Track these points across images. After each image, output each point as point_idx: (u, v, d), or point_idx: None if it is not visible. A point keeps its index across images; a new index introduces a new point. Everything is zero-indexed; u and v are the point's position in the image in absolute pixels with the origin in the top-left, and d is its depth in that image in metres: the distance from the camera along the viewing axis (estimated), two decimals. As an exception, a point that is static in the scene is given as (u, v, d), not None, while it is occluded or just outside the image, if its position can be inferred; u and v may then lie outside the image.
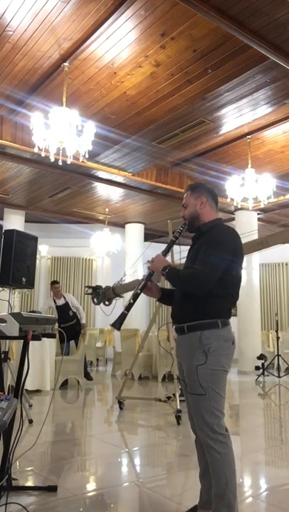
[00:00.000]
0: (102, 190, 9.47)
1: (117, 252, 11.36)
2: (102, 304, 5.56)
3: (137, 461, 3.68)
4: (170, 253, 4.95)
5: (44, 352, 6.50)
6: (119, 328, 2.32)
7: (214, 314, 2.14)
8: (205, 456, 2.20)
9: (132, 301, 2.33)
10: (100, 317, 12.83)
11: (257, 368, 9.59)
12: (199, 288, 2.10)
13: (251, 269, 10.37)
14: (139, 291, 2.34)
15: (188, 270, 2.18)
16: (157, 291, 2.42)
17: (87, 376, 7.87)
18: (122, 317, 2.31)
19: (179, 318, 2.26)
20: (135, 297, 2.34)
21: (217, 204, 2.40)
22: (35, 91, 6.20)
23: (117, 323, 2.30)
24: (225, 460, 2.06)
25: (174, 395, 5.10)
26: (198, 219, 2.32)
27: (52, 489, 2.75)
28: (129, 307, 2.33)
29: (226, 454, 2.07)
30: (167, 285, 2.42)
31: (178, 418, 4.72)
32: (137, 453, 3.90)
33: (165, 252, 2.36)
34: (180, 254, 2.51)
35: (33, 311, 2.80)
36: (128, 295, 5.78)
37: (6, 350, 4.44)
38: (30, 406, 5.33)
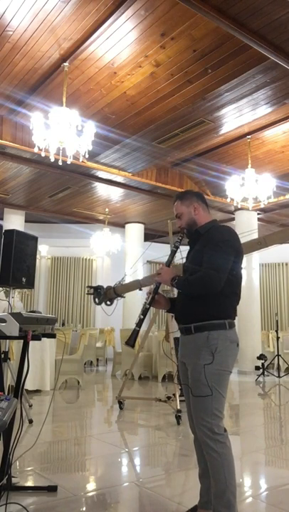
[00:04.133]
0: (102, 190, 9.47)
1: (117, 252, 11.36)
2: (103, 303, 5.56)
3: (137, 461, 3.68)
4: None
5: (44, 352, 6.50)
6: (133, 346, 2.35)
7: (221, 315, 2.16)
8: (204, 456, 2.21)
9: (142, 316, 2.35)
10: (100, 317, 12.84)
11: (257, 367, 9.59)
12: (212, 289, 2.11)
13: (251, 269, 10.37)
14: (148, 305, 2.35)
15: (196, 274, 2.18)
16: (166, 302, 2.42)
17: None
18: (135, 334, 2.33)
19: (185, 319, 2.25)
20: (145, 312, 2.35)
21: (207, 205, 2.44)
22: (35, 91, 6.20)
23: (131, 341, 2.33)
24: (224, 460, 2.06)
25: (174, 395, 5.10)
26: (195, 225, 2.36)
27: (52, 489, 2.75)
28: (140, 323, 2.34)
29: (224, 453, 2.07)
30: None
31: (178, 418, 4.72)
32: (137, 453, 3.90)
33: (168, 263, 2.39)
34: (180, 253, 2.51)
35: (33, 311, 2.80)
36: (129, 295, 5.80)
37: (6, 350, 4.45)
38: (30, 406, 5.33)
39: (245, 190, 7.46)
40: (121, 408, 5.52)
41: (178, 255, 2.49)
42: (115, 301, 5.53)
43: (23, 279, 3.99)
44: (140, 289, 4.99)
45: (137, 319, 2.36)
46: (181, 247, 2.45)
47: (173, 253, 2.44)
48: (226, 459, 2.07)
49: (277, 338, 9.20)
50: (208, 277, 2.10)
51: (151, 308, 2.40)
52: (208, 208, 2.46)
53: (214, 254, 2.15)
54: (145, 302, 2.37)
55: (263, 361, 9.14)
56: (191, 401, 2.17)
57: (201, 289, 2.15)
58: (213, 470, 2.08)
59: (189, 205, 2.37)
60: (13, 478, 2.72)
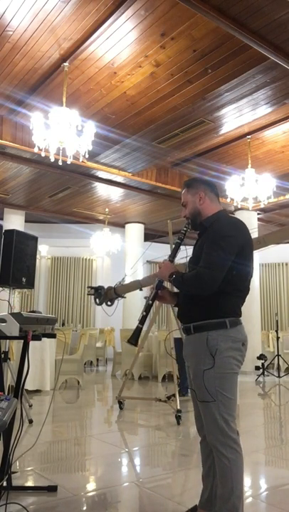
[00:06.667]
0: (102, 190, 9.47)
1: (117, 252, 11.36)
2: (104, 304, 5.56)
3: (137, 461, 3.68)
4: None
5: (44, 352, 6.50)
6: (136, 344, 2.27)
7: (221, 313, 2.05)
8: (209, 458, 2.17)
9: (144, 313, 2.26)
10: (100, 317, 12.84)
11: (257, 367, 9.59)
12: (205, 289, 2.02)
13: (251, 269, 10.35)
14: (150, 302, 2.26)
15: (191, 272, 2.08)
16: (172, 297, 2.32)
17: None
18: (138, 332, 2.25)
19: (185, 318, 2.17)
20: (147, 309, 2.27)
21: (218, 195, 2.29)
22: (35, 91, 6.20)
23: (133, 339, 2.25)
24: (233, 466, 1.99)
25: (174, 395, 5.10)
26: (199, 215, 2.22)
27: (52, 489, 2.75)
28: (142, 320, 2.26)
29: (234, 460, 2.00)
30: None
31: (178, 418, 4.72)
32: (137, 453, 3.90)
33: (172, 257, 2.27)
34: (186, 251, 2.40)
35: (33, 311, 2.80)
36: (129, 295, 5.80)
37: (6, 350, 4.45)
38: (30, 406, 5.33)
39: (245, 190, 7.46)
40: (121, 408, 5.52)
41: (183, 254, 2.38)
42: (116, 302, 5.53)
43: (23, 279, 3.99)
44: (140, 289, 4.98)
45: (140, 316, 2.27)
46: (185, 247, 2.36)
47: (177, 246, 2.29)
48: (235, 465, 1.99)
49: (277, 338, 9.20)
50: (202, 277, 2.01)
51: (152, 307, 2.35)
52: (218, 197, 2.31)
53: (211, 252, 2.03)
54: (148, 298, 2.28)
55: (263, 361, 9.14)
56: (199, 405, 2.09)
57: (195, 289, 2.06)
58: (221, 474, 2.02)
59: (195, 193, 2.23)
60: (13, 474, 2.72)
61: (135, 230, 11.86)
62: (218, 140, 7.70)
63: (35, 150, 5.59)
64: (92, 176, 8.58)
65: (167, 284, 2.31)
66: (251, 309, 10.27)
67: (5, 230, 3.39)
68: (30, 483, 2.97)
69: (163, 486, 3.00)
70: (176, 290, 2.30)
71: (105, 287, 5.61)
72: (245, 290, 2.16)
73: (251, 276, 2.18)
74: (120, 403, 5.56)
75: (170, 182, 9.23)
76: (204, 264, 2.04)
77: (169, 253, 2.38)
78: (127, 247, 11.73)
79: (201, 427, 2.19)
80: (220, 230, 2.10)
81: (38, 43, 5.21)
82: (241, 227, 2.15)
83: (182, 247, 2.37)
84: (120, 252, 11.49)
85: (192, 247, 2.31)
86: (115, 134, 7.20)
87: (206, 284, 2.01)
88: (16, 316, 2.22)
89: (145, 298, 2.35)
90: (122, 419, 5.25)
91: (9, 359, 4.62)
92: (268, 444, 4.31)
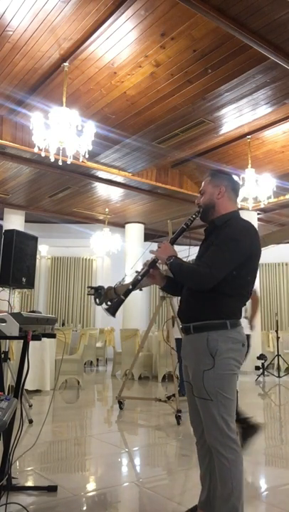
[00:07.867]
0: (102, 190, 9.47)
1: (117, 252, 11.36)
2: (104, 304, 5.56)
3: (137, 461, 3.68)
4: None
5: (44, 352, 6.50)
6: (114, 315, 2.19)
7: (222, 314, 2.02)
8: (206, 458, 2.17)
9: (130, 287, 2.21)
10: (100, 317, 12.84)
11: (257, 367, 9.59)
12: (199, 285, 2.02)
13: (251, 269, 10.34)
14: (139, 277, 2.21)
15: (192, 264, 2.08)
16: (161, 278, 2.30)
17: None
18: (118, 303, 2.17)
19: (185, 318, 2.15)
20: (134, 284, 2.22)
21: (237, 195, 2.24)
22: (35, 91, 6.20)
23: (112, 309, 2.18)
24: (232, 467, 1.97)
25: (174, 395, 5.10)
26: (213, 209, 2.16)
27: (52, 489, 2.75)
28: (126, 293, 2.20)
29: (234, 460, 1.98)
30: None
31: (178, 418, 4.72)
32: (137, 453, 3.90)
33: (173, 240, 2.21)
34: (188, 251, 2.35)
35: (33, 311, 2.80)
36: (130, 295, 5.80)
37: (6, 350, 4.45)
38: (30, 406, 5.33)
39: (245, 190, 7.46)
40: (121, 408, 5.51)
41: (184, 253, 2.35)
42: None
43: (23, 279, 3.99)
44: (140, 289, 4.98)
45: (125, 289, 2.22)
46: (189, 247, 2.32)
47: (181, 230, 2.22)
48: (234, 465, 1.97)
49: (277, 338, 9.20)
50: (201, 274, 1.99)
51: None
52: (237, 198, 2.26)
53: (217, 252, 2.01)
54: (138, 273, 2.23)
55: (263, 361, 9.13)
56: (198, 404, 2.07)
57: (191, 281, 2.06)
58: (221, 475, 2.00)
59: (216, 186, 2.16)
60: (13, 479, 2.72)
61: (135, 230, 11.86)
62: (218, 140, 7.70)
63: (35, 150, 5.60)
64: (92, 176, 8.58)
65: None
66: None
67: (5, 230, 3.39)
68: (30, 483, 2.97)
69: (163, 486, 3.00)
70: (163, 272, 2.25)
71: (105, 287, 5.61)
72: (247, 295, 2.14)
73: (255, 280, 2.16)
74: (120, 403, 5.56)
75: (170, 182, 9.23)
76: (207, 261, 2.02)
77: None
78: (127, 247, 11.73)
79: (196, 427, 2.18)
80: (231, 232, 2.06)
81: (38, 43, 5.21)
82: (253, 232, 2.10)
83: (184, 247, 2.32)
84: (120, 252, 11.49)
85: (193, 246, 2.28)
86: (115, 134, 7.20)
87: (203, 280, 2.00)
88: (16, 316, 2.21)
89: (136, 272, 2.28)
90: (122, 419, 5.25)
91: (9, 359, 4.62)
92: (268, 444, 4.31)
